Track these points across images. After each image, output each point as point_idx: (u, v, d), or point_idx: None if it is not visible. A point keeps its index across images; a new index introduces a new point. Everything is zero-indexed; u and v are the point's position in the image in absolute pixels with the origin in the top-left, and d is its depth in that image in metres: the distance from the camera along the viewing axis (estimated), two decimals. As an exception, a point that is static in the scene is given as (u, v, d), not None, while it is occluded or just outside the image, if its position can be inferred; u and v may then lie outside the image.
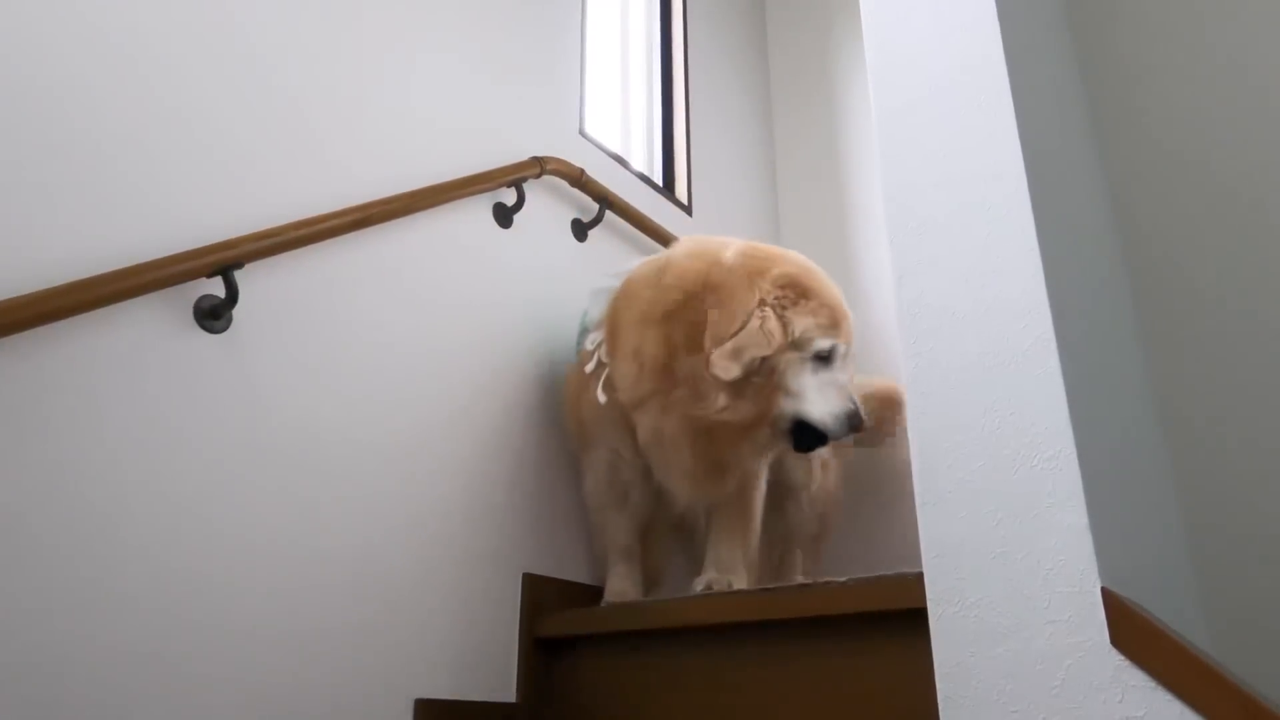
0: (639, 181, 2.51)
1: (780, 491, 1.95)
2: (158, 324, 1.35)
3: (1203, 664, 0.81)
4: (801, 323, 1.55)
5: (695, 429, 1.59)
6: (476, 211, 1.96)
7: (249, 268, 1.44)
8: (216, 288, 1.41)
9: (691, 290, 1.60)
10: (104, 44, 1.38)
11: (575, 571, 1.92)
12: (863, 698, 1.35)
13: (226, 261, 1.39)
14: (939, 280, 1.09)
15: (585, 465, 1.89)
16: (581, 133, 2.35)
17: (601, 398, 1.71)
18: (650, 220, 2.40)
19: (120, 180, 1.36)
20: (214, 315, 1.41)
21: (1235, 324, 1.36)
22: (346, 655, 1.46)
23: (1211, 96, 1.48)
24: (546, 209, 2.15)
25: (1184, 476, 1.34)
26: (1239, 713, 0.78)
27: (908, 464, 1.06)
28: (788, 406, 1.57)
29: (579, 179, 2.18)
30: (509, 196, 2.03)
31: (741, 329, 1.52)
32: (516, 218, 2.04)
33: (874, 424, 1.87)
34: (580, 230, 2.23)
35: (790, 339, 1.54)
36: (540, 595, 1.81)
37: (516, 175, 2.01)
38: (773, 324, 1.53)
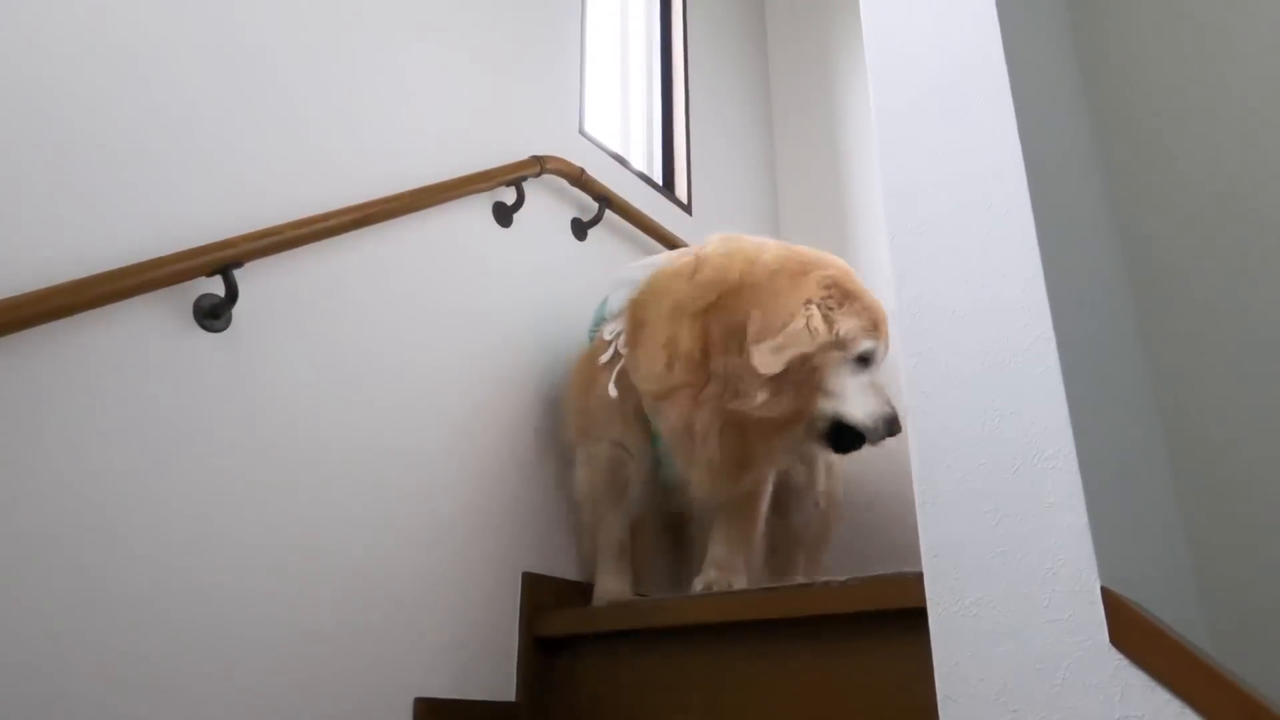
0: (639, 180, 2.51)
1: (785, 493, 1.95)
2: (157, 323, 1.35)
3: (1202, 663, 0.81)
4: (847, 324, 1.57)
5: (727, 423, 1.60)
6: (476, 211, 1.95)
7: (249, 267, 1.44)
8: (216, 287, 1.41)
9: (731, 287, 1.63)
10: (104, 44, 1.38)
11: (575, 571, 1.92)
12: (863, 697, 1.35)
13: (226, 261, 1.39)
14: (939, 280, 1.09)
15: (582, 458, 1.88)
16: (581, 132, 2.34)
17: (613, 392, 1.72)
18: (650, 219, 2.40)
19: (120, 179, 1.35)
20: (213, 314, 1.41)
21: (1235, 323, 1.36)
22: (346, 654, 1.46)
23: (1211, 95, 1.48)
24: (546, 208, 2.15)
25: (1184, 476, 1.34)
26: (1238, 712, 0.78)
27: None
28: (827, 406, 1.58)
29: (579, 178, 2.18)
30: (509, 195, 2.03)
31: (786, 326, 1.54)
32: (516, 217, 2.04)
33: None
34: (580, 229, 2.23)
35: (834, 338, 1.55)
36: (540, 594, 1.80)
37: (516, 174, 2.01)
38: (818, 322, 1.55)
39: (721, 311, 1.61)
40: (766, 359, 1.52)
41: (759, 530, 1.81)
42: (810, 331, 1.54)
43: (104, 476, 1.24)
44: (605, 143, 2.44)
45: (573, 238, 2.21)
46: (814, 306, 1.56)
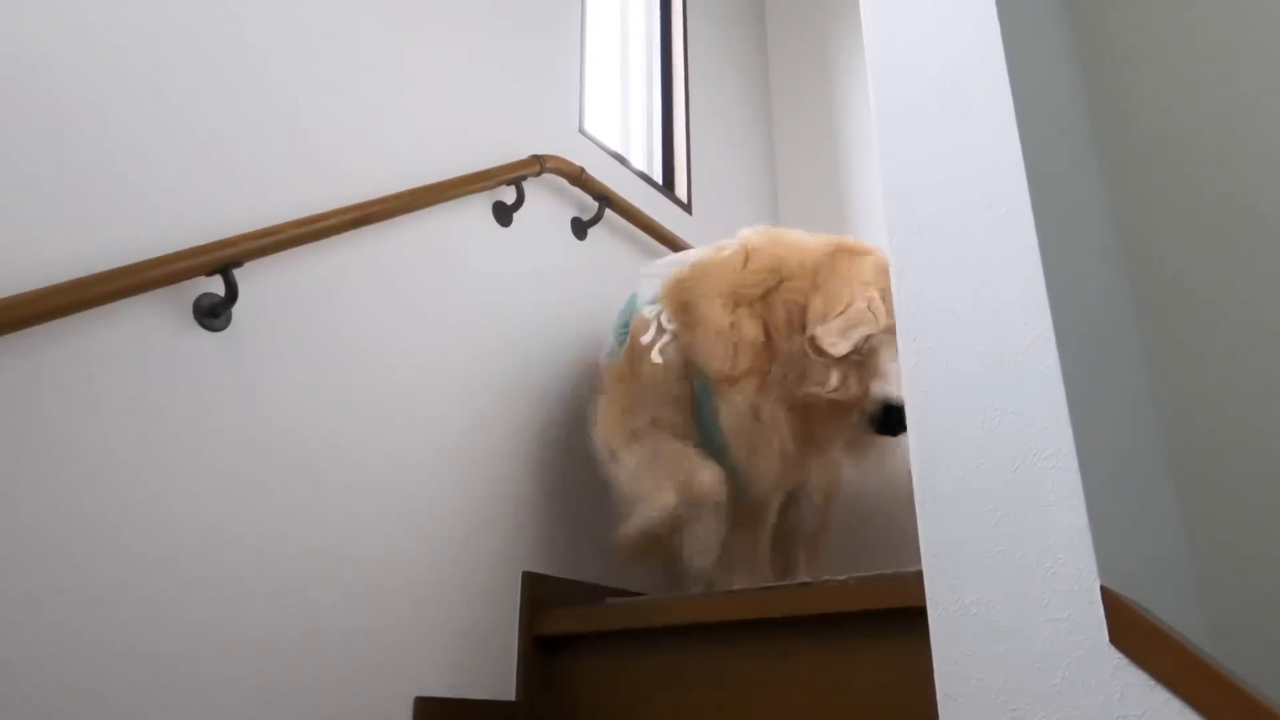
0: (639, 180, 2.51)
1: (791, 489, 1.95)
2: (157, 322, 1.35)
3: (1202, 662, 0.81)
4: None
5: (792, 409, 1.62)
6: (476, 210, 1.95)
7: (248, 266, 1.44)
8: (216, 286, 1.41)
9: (787, 274, 1.66)
10: (104, 43, 1.38)
11: (575, 570, 1.92)
12: (862, 696, 1.35)
13: (226, 260, 1.39)
14: (939, 278, 1.09)
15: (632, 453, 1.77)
16: (581, 131, 2.34)
17: (657, 358, 1.71)
18: (650, 219, 2.40)
19: (120, 178, 1.35)
20: (213, 314, 1.41)
21: (1236, 322, 1.36)
22: (346, 653, 1.46)
23: (1211, 93, 1.48)
24: (546, 207, 2.15)
25: (1184, 476, 1.34)
26: (1238, 711, 0.78)
27: None
28: (877, 389, 1.60)
29: (579, 177, 2.18)
30: (509, 195, 2.03)
31: (847, 308, 1.57)
32: (516, 216, 2.04)
33: None
34: (580, 229, 2.23)
35: (892, 320, 1.57)
36: (540, 593, 1.80)
37: (516, 173, 2.01)
38: (878, 304, 1.58)
39: (781, 296, 1.64)
40: (835, 340, 1.55)
41: (767, 529, 1.81)
42: (873, 312, 1.57)
43: (104, 476, 1.24)
44: (605, 142, 2.44)
45: (573, 237, 2.21)
46: (872, 290, 1.59)
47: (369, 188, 1.69)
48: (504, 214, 2.02)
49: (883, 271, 1.62)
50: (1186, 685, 0.81)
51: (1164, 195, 1.48)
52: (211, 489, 1.35)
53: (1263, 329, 1.34)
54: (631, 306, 1.89)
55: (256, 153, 1.55)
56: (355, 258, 1.66)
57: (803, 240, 1.74)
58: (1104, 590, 0.88)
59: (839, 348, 1.55)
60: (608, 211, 2.26)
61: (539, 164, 2.07)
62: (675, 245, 2.43)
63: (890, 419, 1.62)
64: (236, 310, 1.43)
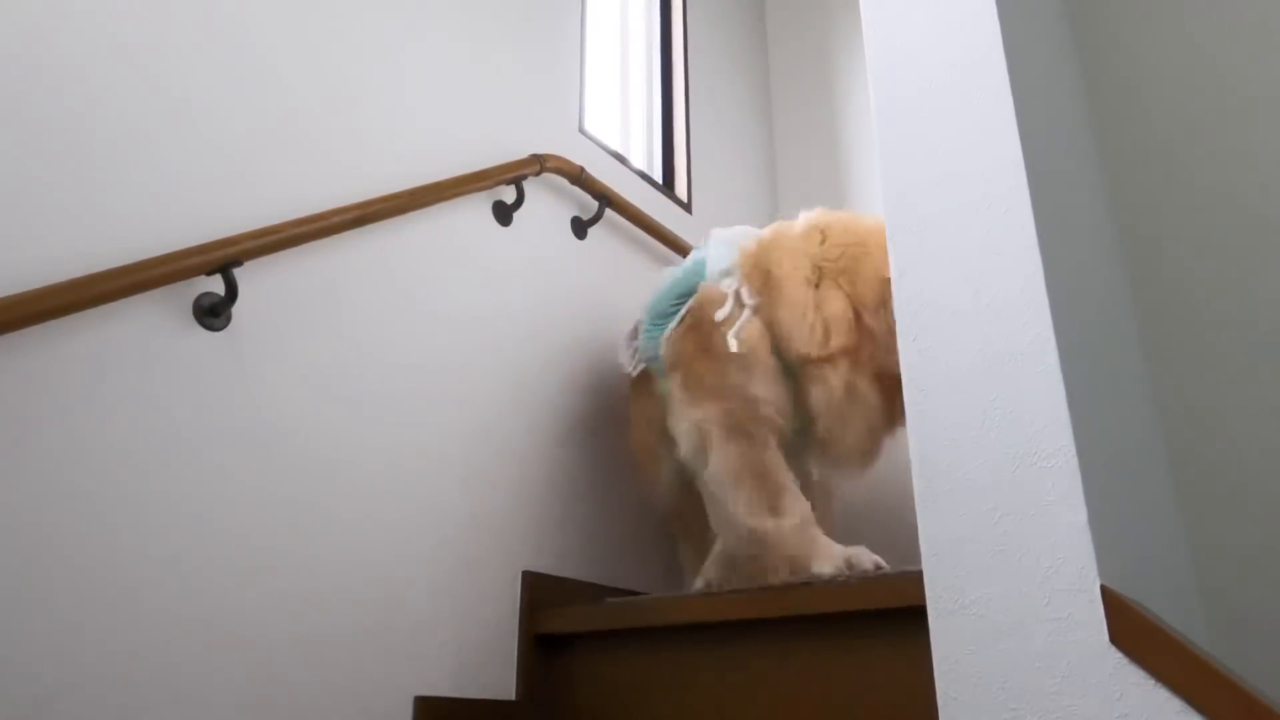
0: (639, 179, 2.51)
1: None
2: (157, 321, 1.35)
3: (1202, 662, 0.81)
4: None
5: (882, 386, 1.61)
6: (476, 209, 1.95)
7: (248, 265, 1.44)
8: (216, 285, 1.41)
9: (872, 246, 1.65)
10: (105, 42, 1.38)
11: (575, 569, 1.92)
12: (863, 695, 1.35)
13: (226, 259, 1.39)
14: (939, 277, 1.09)
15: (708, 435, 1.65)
16: (581, 130, 2.34)
17: (734, 345, 1.63)
18: (650, 218, 2.40)
19: (120, 177, 1.35)
20: (213, 313, 1.41)
21: (1235, 322, 1.36)
22: (346, 653, 1.46)
23: (1211, 93, 1.48)
24: (546, 207, 2.15)
25: (1184, 475, 1.34)
26: (1238, 710, 0.78)
27: None
28: None
29: (579, 177, 2.18)
30: (508, 194, 2.03)
31: None
32: (516, 215, 2.04)
33: None
34: (580, 228, 2.23)
35: None
36: (540, 593, 1.80)
37: (516, 173, 2.01)
38: None
39: (865, 271, 1.63)
40: None
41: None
42: None
43: (103, 475, 1.24)
44: (605, 141, 2.44)
45: (573, 236, 2.21)
46: None
47: (369, 187, 1.69)
48: (504, 213, 2.02)
49: None
50: (1187, 685, 0.81)
51: (1164, 195, 1.48)
52: (210, 488, 1.35)
53: (1263, 329, 1.34)
54: (695, 275, 1.78)
55: (257, 152, 1.55)
56: (355, 257, 1.66)
57: (865, 217, 1.72)
58: (1104, 589, 0.88)
59: None
60: (608, 211, 2.26)
61: (539, 163, 2.07)
62: (675, 245, 2.44)
63: None
64: (236, 309, 1.43)
